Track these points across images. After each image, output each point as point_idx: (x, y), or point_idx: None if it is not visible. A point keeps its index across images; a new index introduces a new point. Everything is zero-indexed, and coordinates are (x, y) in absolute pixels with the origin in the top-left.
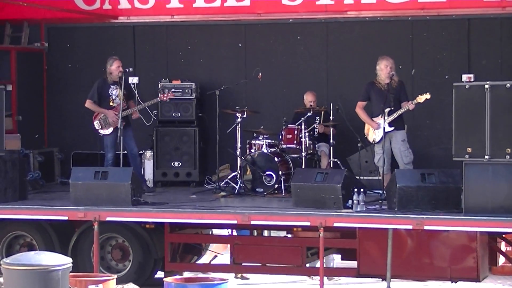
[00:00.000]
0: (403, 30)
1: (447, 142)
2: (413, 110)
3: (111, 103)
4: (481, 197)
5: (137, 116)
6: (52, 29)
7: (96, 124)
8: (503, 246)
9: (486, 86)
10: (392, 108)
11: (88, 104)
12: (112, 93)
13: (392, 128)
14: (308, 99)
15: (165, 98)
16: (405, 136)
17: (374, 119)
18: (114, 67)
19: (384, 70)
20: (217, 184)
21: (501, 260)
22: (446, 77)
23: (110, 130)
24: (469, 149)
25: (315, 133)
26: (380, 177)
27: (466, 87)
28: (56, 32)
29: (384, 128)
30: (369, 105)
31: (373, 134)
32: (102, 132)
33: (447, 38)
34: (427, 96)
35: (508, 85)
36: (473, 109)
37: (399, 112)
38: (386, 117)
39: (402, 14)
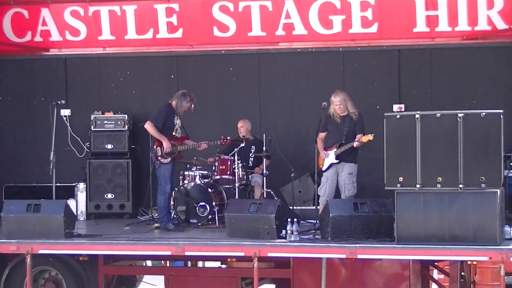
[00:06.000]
0: (335, 61)
1: (379, 171)
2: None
3: (174, 133)
4: (413, 226)
5: (204, 147)
6: None
7: (159, 150)
8: (435, 274)
9: (417, 116)
10: (343, 142)
11: (149, 127)
12: (176, 123)
13: (338, 161)
14: (238, 125)
15: (223, 144)
16: (353, 170)
17: (325, 149)
18: (188, 105)
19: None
20: (150, 215)
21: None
22: (377, 107)
23: (169, 159)
24: (401, 178)
25: (250, 162)
26: (314, 207)
27: (397, 117)
28: None
29: (330, 159)
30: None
31: (323, 163)
32: (163, 160)
33: (378, 68)
34: (370, 137)
35: (438, 114)
36: (404, 139)
37: (346, 147)
38: (336, 150)
39: (333, 45)
